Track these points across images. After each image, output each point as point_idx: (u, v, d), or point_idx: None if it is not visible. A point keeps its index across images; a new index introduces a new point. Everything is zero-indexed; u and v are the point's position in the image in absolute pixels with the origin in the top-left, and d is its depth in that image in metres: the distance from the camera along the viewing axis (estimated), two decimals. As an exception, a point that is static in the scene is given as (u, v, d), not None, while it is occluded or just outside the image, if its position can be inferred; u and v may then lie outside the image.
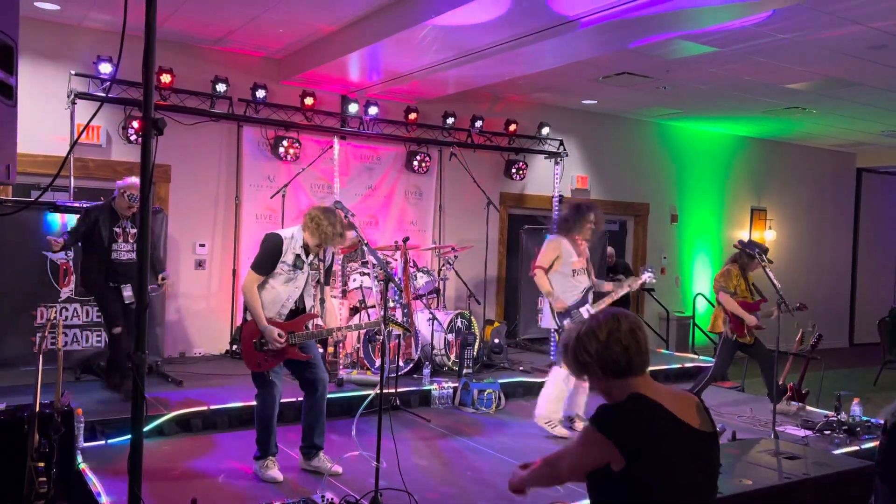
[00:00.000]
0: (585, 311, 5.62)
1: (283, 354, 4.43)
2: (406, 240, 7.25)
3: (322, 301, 4.63)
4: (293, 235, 4.46)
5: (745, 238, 10.80)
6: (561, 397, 5.66)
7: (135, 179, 5.70)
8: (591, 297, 5.78)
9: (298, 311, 4.54)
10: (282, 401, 4.69)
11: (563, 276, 5.71)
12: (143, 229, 2.33)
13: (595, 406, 2.13)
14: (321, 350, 6.74)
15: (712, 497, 2.13)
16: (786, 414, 6.40)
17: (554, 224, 6.25)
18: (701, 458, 2.07)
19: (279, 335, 4.34)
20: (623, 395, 2.10)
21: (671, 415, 2.05)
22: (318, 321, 4.70)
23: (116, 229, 5.67)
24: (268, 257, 4.41)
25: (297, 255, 4.44)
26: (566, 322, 5.60)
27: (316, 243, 4.43)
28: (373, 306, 6.91)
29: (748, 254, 6.30)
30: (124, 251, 5.68)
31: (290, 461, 4.73)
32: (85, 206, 5.89)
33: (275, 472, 4.46)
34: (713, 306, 6.73)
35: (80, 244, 5.74)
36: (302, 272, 4.46)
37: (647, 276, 5.86)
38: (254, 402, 4.60)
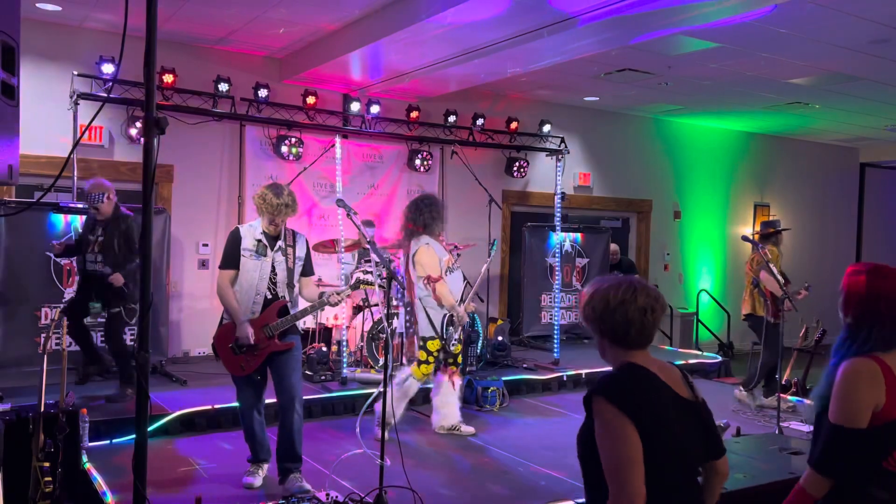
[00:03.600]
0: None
1: (265, 350, 4.32)
2: (409, 238, 7.24)
3: (291, 288, 4.44)
4: (251, 225, 4.45)
5: (749, 233, 10.78)
6: (451, 399, 5.62)
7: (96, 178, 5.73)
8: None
9: (272, 303, 4.42)
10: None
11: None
12: (145, 231, 2.32)
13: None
14: (325, 349, 6.77)
15: (697, 467, 2.17)
16: (768, 407, 6.32)
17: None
18: (690, 427, 2.11)
19: (251, 334, 4.26)
20: (616, 362, 2.13)
21: (663, 383, 2.10)
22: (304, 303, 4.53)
23: (90, 237, 5.62)
24: (229, 250, 4.38)
25: (259, 241, 4.35)
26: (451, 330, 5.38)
27: (269, 221, 4.33)
28: (376, 304, 6.92)
29: (770, 235, 6.61)
30: (89, 262, 5.62)
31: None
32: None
33: (252, 479, 4.39)
34: (750, 288, 6.52)
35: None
36: (266, 258, 4.35)
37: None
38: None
